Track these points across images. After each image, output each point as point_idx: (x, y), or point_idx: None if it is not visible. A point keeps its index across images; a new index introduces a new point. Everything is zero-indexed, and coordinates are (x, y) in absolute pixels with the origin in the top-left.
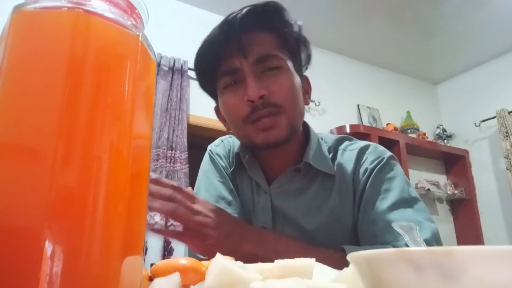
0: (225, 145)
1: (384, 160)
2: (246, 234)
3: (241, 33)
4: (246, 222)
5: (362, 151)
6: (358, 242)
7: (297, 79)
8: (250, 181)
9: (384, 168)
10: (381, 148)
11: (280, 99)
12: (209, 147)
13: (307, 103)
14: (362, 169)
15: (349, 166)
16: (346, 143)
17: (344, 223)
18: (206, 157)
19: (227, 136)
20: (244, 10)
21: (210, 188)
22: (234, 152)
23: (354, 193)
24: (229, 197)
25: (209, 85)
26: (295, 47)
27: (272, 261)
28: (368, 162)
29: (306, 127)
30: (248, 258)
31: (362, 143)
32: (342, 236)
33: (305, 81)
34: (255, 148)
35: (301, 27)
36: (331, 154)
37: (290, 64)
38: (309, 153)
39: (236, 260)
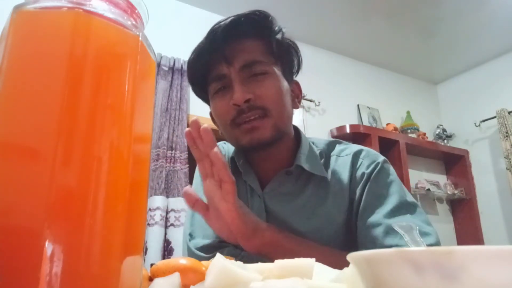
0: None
1: (380, 164)
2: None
3: (226, 41)
4: None
5: (356, 156)
6: (350, 244)
7: (285, 84)
8: (245, 186)
9: (380, 173)
10: (374, 152)
11: (266, 102)
12: None
13: (296, 107)
14: (358, 174)
15: (344, 172)
16: (338, 148)
17: (338, 226)
18: None
19: (221, 142)
20: (228, 20)
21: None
22: (229, 157)
23: (350, 197)
24: None
25: (201, 92)
26: (283, 53)
27: (284, 250)
28: (364, 166)
29: (297, 131)
30: (263, 243)
31: (355, 147)
32: (334, 239)
33: (295, 86)
34: (243, 149)
35: (284, 33)
36: (323, 160)
37: (277, 70)
38: (301, 156)
39: (254, 247)
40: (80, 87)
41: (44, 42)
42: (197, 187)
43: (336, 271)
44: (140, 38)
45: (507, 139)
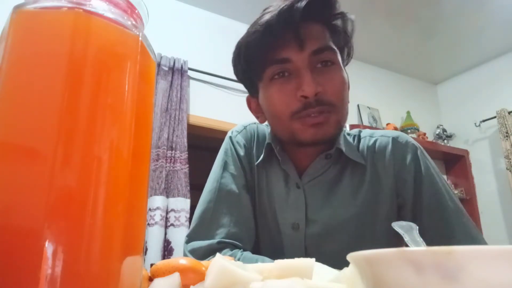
0: (247, 131)
1: (420, 159)
2: None
3: (301, 23)
4: (271, 216)
5: (395, 144)
6: (391, 235)
7: (346, 76)
8: (282, 174)
9: (428, 175)
10: (408, 139)
11: (333, 98)
12: (229, 133)
13: (348, 101)
14: (404, 168)
15: (382, 158)
16: (367, 131)
17: (378, 214)
18: (225, 143)
19: (251, 122)
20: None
21: (222, 181)
22: (257, 140)
23: (396, 189)
24: (236, 192)
25: (251, 73)
26: (345, 41)
27: None
28: (409, 164)
29: None
30: None
31: (389, 133)
32: (374, 228)
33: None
34: (298, 144)
35: (353, 21)
36: (355, 142)
37: (340, 59)
38: (339, 141)
39: None
40: (80, 87)
41: (44, 42)
42: (215, 175)
43: (336, 271)
44: (140, 38)
45: (507, 139)
